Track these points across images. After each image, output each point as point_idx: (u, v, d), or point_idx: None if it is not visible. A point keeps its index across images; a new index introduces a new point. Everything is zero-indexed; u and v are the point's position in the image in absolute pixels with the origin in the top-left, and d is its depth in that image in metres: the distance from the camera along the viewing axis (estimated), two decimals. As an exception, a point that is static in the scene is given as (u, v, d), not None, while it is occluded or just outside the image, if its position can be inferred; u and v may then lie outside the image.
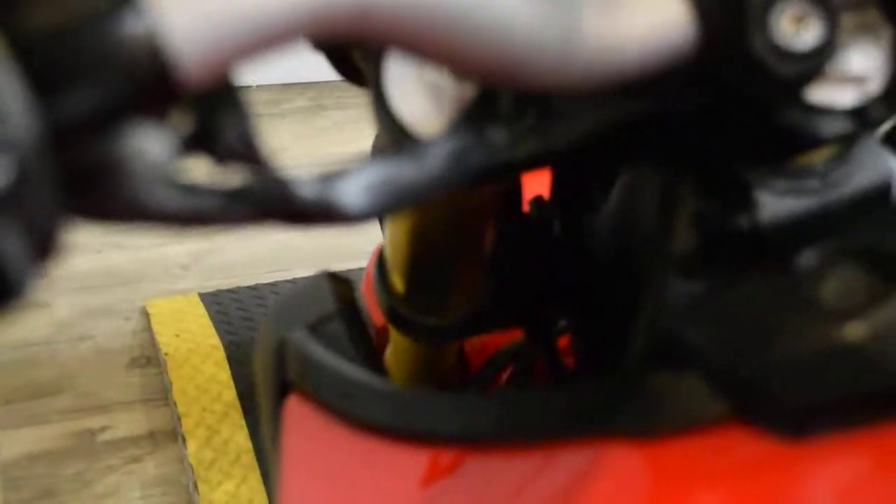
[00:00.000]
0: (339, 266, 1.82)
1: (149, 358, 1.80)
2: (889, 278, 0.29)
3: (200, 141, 0.23)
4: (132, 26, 0.20)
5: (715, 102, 0.32)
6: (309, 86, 2.62)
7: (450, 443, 0.36)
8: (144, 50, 0.20)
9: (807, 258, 0.31)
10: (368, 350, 0.43)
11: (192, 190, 0.23)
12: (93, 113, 0.20)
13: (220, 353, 1.74)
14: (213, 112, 0.23)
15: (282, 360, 0.42)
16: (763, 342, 0.30)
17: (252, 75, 2.61)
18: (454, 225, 0.49)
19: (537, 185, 0.55)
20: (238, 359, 1.73)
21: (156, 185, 0.22)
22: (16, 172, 0.18)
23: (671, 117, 0.33)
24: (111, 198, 0.22)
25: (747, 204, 0.35)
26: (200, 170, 0.23)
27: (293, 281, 1.95)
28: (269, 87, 2.63)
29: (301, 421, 0.40)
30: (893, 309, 0.28)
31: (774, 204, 0.35)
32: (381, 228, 1.16)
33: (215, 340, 1.78)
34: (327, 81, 2.55)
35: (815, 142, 0.34)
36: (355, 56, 0.42)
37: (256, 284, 1.95)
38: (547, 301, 0.54)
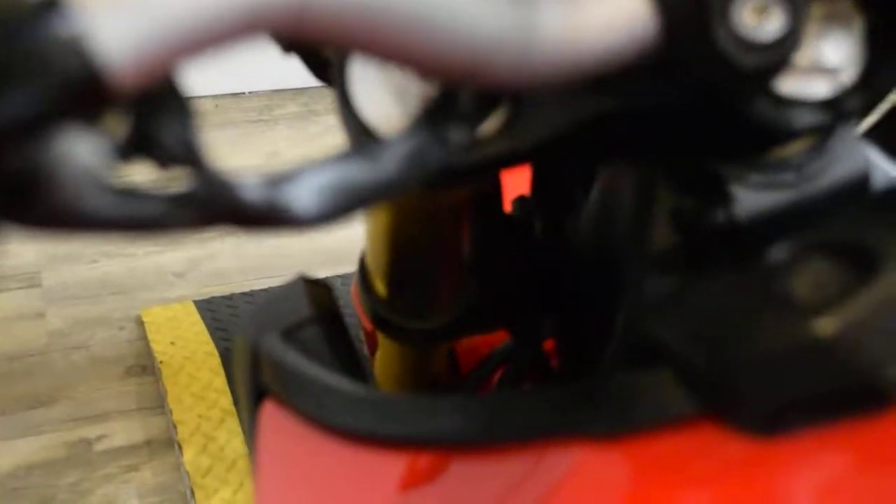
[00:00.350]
0: (332, 271, 1.82)
1: (144, 366, 1.79)
2: (862, 272, 0.29)
3: (140, 145, 0.22)
4: (58, 29, 0.20)
5: (685, 97, 0.32)
6: (301, 91, 2.62)
7: (425, 447, 0.35)
8: (71, 53, 0.20)
9: (780, 252, 0.31)
10: (345, 354, 0.42)
11: (132, 195, 0.22)
12: (18, 118, 0.20)
13: (216, 360, 1.74)
14: (152, 115, 0.22)
15: (256, 366, 0.41)
16: (734, 339, 0.29)
17: (244, 82, 2.61)
18: (433, 227, 0.49)
19: (520, 184, 0.54)
20: (234, 365, 1.72)
21: (89, 191, 0.21)
22: None
23: (644, 114, 0.33)
24: (42, 205, 0.21)
25: (723, 199, 0.34)
26: (146, 174, 0.23)
27: (288, 287, 1.94)
28: (261, 94, 2.63)
29: (275, 427, 0.40)
30: (866, 303, 0.28)
31: (750, 198, 0.34)
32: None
33: (210, 347, 1.77)
34: (319, 87, 2.54)
35: (789, 134, 0.34)
36: (328, 57, 0.41)
37: (251, 291, 1.95)
38: (530, 301, 0.54)
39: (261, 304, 0.45)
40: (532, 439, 0.32)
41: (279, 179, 0.24)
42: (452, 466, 0.34)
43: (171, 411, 1.64)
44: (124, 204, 0.22)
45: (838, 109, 0.33)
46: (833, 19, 0.33)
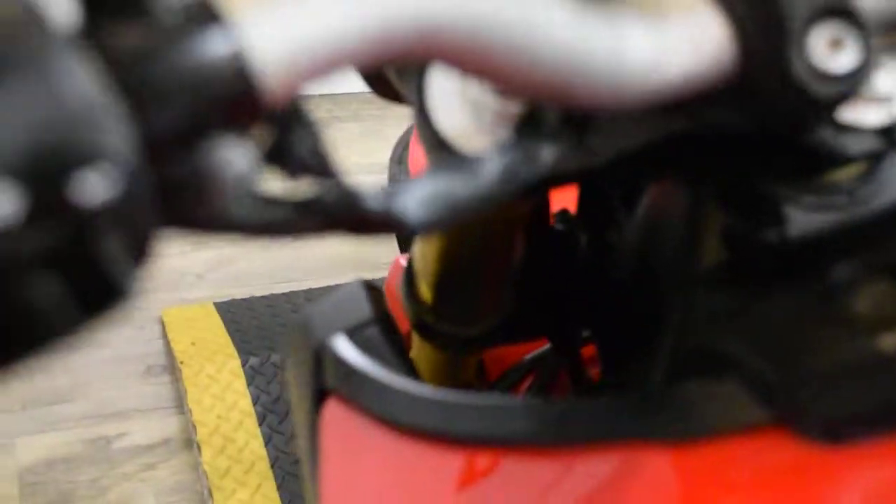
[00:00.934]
0: (353, 277, 1.83)
1: (164, 366, 1.81)
2: None
3: (276, 154, 0.24)
4: (219, 47, 0.22)
5: (756, 122, 0.33)
6: (325, 98, 2.64)
7: (486, 445, 0.37)
8: (231, 69, 0.22)
9: (841, 272, 0.32)
10: (403, 355, 0.44)
11: (269, 202, 0.24)
12: (183, 128, 0.22)
13: (236, 362, 1.75)
14: (288, 126, 0.24)
15: (319, 366, 0.43)
16: (800, 353, 0.31)
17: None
18: (484, 238, 0.50)
19: (563, 198, 0.56)
20: (253, 367, 1.74)
21: (241, 197, 0.23)
22: (124, 185, 0.19)
23: (705, 134, 0.34)
24: (201, 209, 0.23)
25: (776, 219, 0.36)
26: (274, 182, 0.24)
27: (307, 291, 1.96)
28: (285, 99, 2.65)
29: (341, 426, 0.41)
30: None
31: (803, 219, 0.36)
32: (398, 243, 1.16)
33: (231, 350, 1.79)
34: (343, 94, 2.56)
35: (844, 159, 0.35)
36: (386, 71, 0.43)
37: (270, 294, 1.96)
38: (572, 312, 0.55)
39: (319, 306, 0.46)
40: (600, 443, 0.33)
41: (393, 190, 0.26)
42: (513, 465, 0.36)
43: (190, 411, 1.66)
44: (264, 209, 0.24)
45: (891, 137, 0.34)
46: (888, 50, 0.34)
